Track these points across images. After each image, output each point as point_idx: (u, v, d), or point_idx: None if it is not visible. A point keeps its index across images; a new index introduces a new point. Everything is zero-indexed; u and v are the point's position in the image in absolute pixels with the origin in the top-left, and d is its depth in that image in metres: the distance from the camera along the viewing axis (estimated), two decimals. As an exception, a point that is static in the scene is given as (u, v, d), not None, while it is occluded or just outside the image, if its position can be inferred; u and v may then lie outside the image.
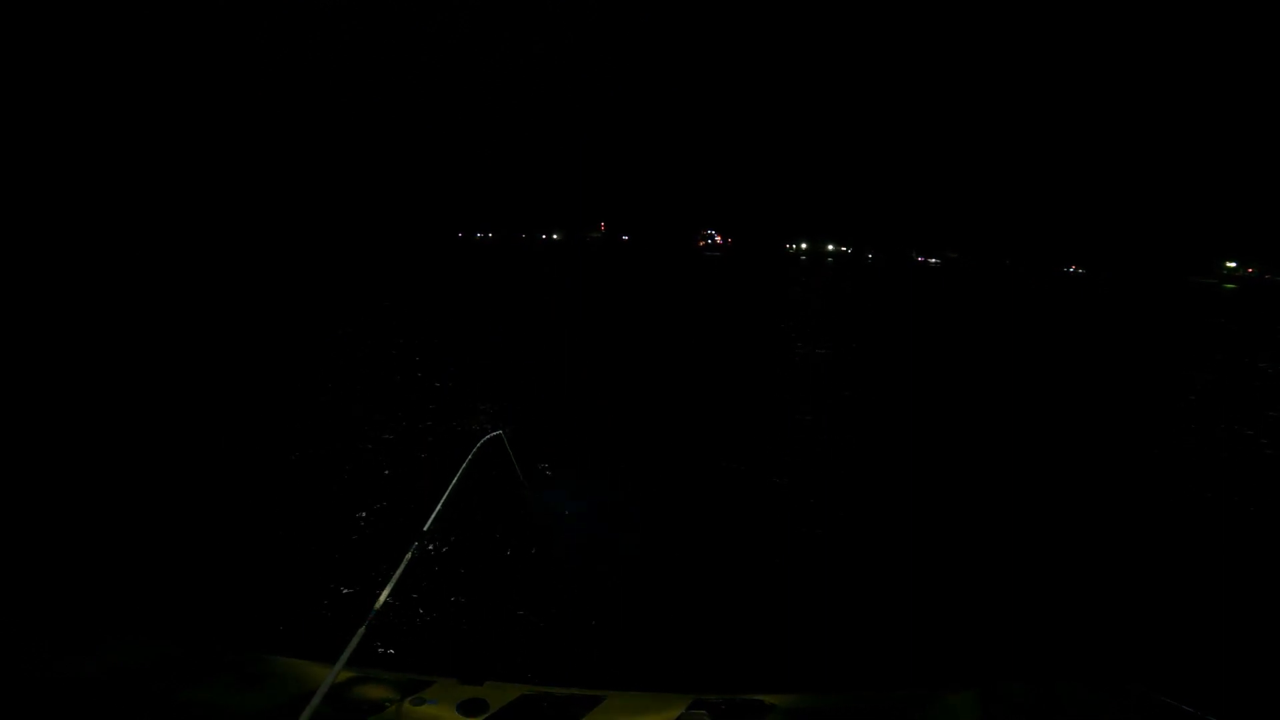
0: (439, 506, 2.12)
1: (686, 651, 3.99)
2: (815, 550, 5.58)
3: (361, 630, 1.72)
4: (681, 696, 2.24)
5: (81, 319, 18.82)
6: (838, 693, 2.50)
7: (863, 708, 2.33)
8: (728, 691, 2.39)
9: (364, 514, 6.00)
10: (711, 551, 5.54)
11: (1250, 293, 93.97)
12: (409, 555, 1.98)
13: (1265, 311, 49.47)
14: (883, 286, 49.31)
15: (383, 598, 1.82)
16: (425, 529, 2.05)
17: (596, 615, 4.45)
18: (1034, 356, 18.03)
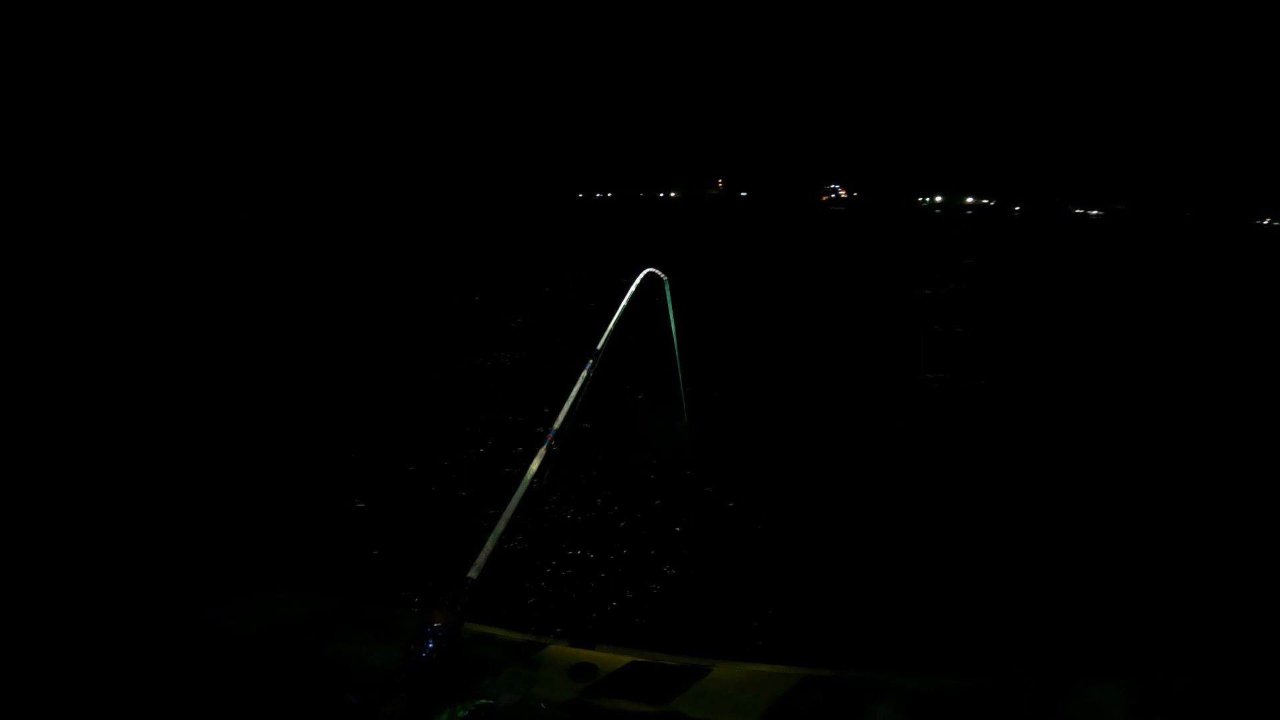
0: (609, 330, 2.26)
1: (804, 621, 3.92)
2: (941, 525, 5.27)
3: (542, 450, 1.84)
4: (792, 670, 2.19)
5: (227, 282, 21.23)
6: (962, 675, 2.35)
7: (992, 693, 2.17)
8: (841, 667, 2.31)
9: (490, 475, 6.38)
10: (833, 518, 5.39)
11: None
12: (585, 374, 2.08)
13: None
14: (1024, 241, 44.63)
15: (560, 419, 1.93)
16: (599, 347, 2.18)
17: (717, 576, 4.48)
18: (1206, 330, 15.67)
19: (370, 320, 14.64)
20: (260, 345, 12.67)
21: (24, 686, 2.07)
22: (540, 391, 8.49)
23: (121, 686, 1.97)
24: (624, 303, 2.50)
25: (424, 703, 1.33)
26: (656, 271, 2.93)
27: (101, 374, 10.86)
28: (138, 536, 4.80)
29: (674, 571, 4.50)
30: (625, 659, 2.18)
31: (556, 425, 2.01)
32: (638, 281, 2.69)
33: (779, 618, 3.93)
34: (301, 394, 9.27)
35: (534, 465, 1.88)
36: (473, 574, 1.59)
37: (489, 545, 1.66)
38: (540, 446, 1.94)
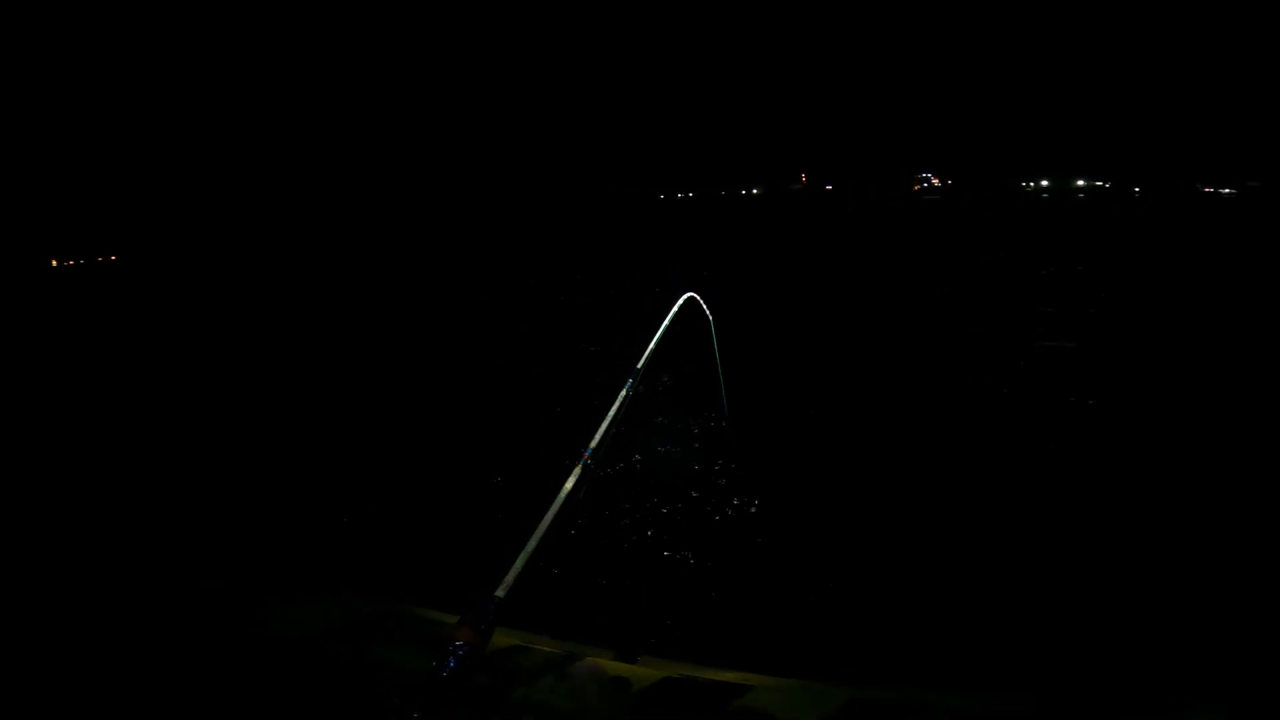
0: (646, 354, 2.21)
1: (851, 631, 3.76)
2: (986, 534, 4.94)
3: (578, 469, 1.82)
4: (836, 688, 2.10)
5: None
6: (1015, 693, 2.17)
7: (1052, 714, 1.99)
8: (887, 684, 2.19)
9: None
10: (874, 527, 5.15)
11: None
12: (624, 393, 2.05)
13: None
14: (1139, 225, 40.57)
15: (598, 437, 1.91)
16: (639, 366, 2.13)
17: (763, 584, 4.40)
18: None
19: (432, 327, 15.36)
20: (324, 351, 13.55)
21: (66, 689, 2.28)
22: (584, 402, 8.58)
23: (173, 689, 2.16)
24: (664, 325, 2.44)
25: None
26: (697, 298, 2.82)
27: (144, 380, 11.97)
28: (191, 541, 5.23)
29: (720, 579, 4.46)
30: (663, 673, 2.15)
31: (594, 444, 1.98)
32: (677, 306, 2.61)
33: (823, 626, 3.81)
34: (353, 400, 9.83)
35: (569, 483, 1.86)
36: (500, 592, 1.57)
37: (519, 563, 1.65)
38: (576, 465, 1.93)
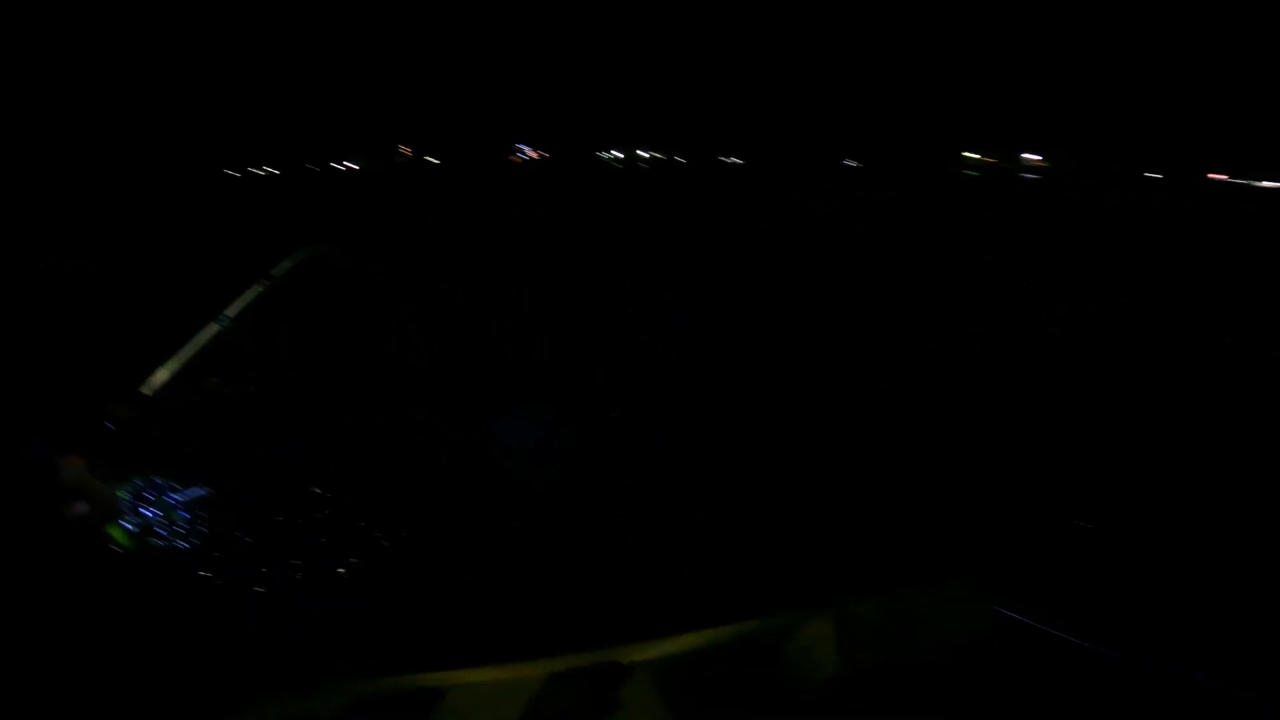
0: (277, 270, 3.22)
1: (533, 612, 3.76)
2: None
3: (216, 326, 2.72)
4: (535, 667, 2.11)
5: None
6: (690, 635, 2.50)
7: (723, 645, 2.27)
8: (582, 648, 2.36)
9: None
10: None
11: None
12: (258, 287, 2.96)
13: None
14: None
15: (235, 307, 2.70)
16: (274, 273, 3.11)
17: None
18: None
19: None
20: None
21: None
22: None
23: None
24: (286, 264, 3.51)
25: (105, 468, 1.53)
26: (321, 248, 4.03)
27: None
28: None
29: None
30: (348, 695, 1.98)
31: (229, 311, 3.04)
32: (296, 256, 3.68)
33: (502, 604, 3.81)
34: None
35: (211, 327, 2.78)
36: (146, 390, 1.97)
37: (171, 364, 2.01)
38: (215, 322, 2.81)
